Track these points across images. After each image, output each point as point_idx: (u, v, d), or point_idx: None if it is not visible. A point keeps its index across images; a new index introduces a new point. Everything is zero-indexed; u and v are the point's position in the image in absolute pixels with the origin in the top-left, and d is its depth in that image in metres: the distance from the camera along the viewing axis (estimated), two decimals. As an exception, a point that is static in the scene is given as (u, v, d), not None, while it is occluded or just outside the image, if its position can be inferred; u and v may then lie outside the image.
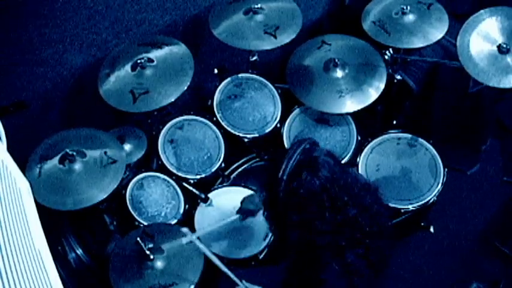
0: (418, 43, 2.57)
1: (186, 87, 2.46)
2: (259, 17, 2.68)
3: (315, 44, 2.72)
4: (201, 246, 2.09)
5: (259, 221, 2.46)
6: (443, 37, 2.58)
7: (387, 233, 1.85)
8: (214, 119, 2.71)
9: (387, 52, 2.77)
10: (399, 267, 2.86)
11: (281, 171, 1.74)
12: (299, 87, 2.60)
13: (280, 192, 1.75)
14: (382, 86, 2.57)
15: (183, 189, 2.59)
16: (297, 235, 1.79)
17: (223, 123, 2.71)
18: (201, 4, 2.96)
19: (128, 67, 2.53)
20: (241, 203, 2.35)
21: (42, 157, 2.31)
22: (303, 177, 1.72)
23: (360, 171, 2.58)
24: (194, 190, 2.57)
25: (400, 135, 2.65)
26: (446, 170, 2.55)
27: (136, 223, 2.55)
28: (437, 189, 2.52)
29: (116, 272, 2.14)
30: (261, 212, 2.45)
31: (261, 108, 2.75)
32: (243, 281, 1.99)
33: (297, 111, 2.73)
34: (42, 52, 2.60)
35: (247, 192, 2.55)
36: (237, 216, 2.34)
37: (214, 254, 2.44)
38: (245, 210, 2.31)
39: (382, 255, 1.83)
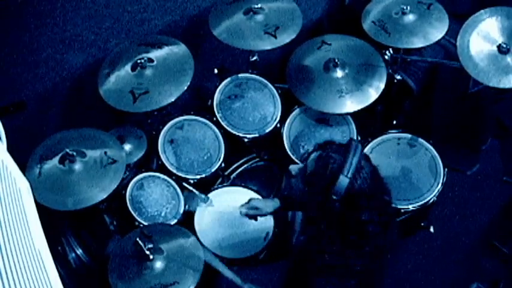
0: (418, 43, 2.57)
1: (186, 87, 2.46)
2: (259, 17, 2.67)
3: (315, 44, 2.72)
4: (205, 254, 2.09)
5: (259, 221, 2.46)
6: (443, 37, 2.57)
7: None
8: (214, 119, 2.71)
9: (387, 52, 2.77)
10: (399, 267, 2.86)
11: (346, 170, 1.72)
12: (299, 87, 2.59)
13: (344, 191, 1.73)
14: (382, 86, 2.56)
15: (183, 189, 2.59)
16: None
17: (223, 123, 2.71)
18: (201, 4, 2.97)
19: (128, 67, 2.53)
20: (251, 199, 2.35)
21: (42, 157, 2.31)
22: (364, 175, 1.75)
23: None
24: (194, 190, 2.57)
25: (400, 135, 2.65)
26: (446, 170, 2.55)
27: (136, 223, 2.55)
28: (437, 189, 2.52)
29: (115, 273, 2.14)
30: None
31: (261, 108, 2.75)
32: (248, 284, 1.99)
33: (297, 111, 2.72)
34: (42, 52, 2.60)
35: (247, 192, 2.55)
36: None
37: (215, 255, 2.45)
38: (253, 207, 2.31)
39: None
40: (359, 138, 2.66)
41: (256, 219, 2.38)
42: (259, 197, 2.49)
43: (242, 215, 2.36)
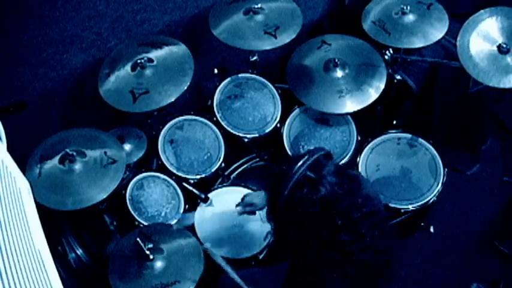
0: (418, 43, 2.57)
1: (186, 87, 2.46)
2: (259, 17, 2.68)
3: (315, 44, 2.72)
4: (218, 259, 2.10)
5: (259, 221, 2.46)
6: (443, 37, 2.58)
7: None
8: (214, 119, 2.71)
9: (387, 52, 2.77)
10: (399, 267, 2.86)
11: (284, 183, 1.62)
12: (299, 87, 2.60)
13: (281, 203, 1.65)
14: (382, 86, 2.57)
15: (183, 189, 2.59)
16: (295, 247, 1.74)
17: (223, 123, 2.71)
18: (201, 4, 2.97)
19: (128, 67, 2.53)
20: (245, 196, 2.35)
21: (42, 157, 2.31)
22: (304, 195, 1.61)
23: (359, 171, 2.58)
24: (194, 190, 2.57)
25: (400, 135, 2.65)
26: (446, 170, 2.55)
27: (136, 223, 2.55)
28: (437, 189, 2.52)
29: (116, 273, 2.14)
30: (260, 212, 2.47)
31: (261, 108, 2.76)
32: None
33: (297, 111, 2.73)
34: (42, 52, 2.60)
35: (247, 192, 2.55)
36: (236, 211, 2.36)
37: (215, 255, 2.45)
38: (248, 203, 2.30)
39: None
40: (359, 138, 2.66)
41: (254, 214, 2.38)
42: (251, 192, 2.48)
43: (239, 214, 2.37)
